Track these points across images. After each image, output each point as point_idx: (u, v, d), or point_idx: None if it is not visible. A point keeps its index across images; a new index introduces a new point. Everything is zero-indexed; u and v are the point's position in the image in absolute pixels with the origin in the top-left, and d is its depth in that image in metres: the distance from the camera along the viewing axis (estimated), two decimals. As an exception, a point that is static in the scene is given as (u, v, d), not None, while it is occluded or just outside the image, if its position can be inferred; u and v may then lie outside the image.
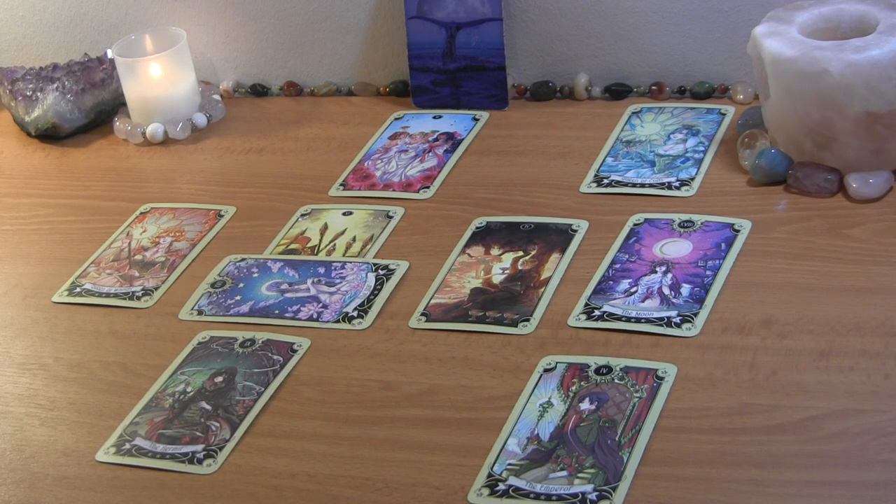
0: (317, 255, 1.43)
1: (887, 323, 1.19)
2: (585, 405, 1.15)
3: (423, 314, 1.31)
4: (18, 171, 1.70)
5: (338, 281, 1.37)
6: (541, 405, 1.16)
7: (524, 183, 1.49)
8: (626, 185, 1.45)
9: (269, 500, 1.12)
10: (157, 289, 1.42)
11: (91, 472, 1.18)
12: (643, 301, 1.26)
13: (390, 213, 1.47)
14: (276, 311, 1.34)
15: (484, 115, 1.64)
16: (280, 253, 1.44)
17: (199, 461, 1.17)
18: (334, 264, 1.40)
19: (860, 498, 1.02)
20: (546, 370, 1.20)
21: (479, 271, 1.35)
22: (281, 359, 1.27)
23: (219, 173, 1.63)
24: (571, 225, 1.39)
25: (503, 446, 1.13)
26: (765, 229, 1.34)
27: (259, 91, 1.79)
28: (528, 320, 1.27)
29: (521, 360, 1.22)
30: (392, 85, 1.72)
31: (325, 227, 1.47)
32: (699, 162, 1.46)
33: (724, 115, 1.54)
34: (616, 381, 1.17)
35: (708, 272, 1.28)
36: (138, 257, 1.47)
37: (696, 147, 1.49)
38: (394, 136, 1.62)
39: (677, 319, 1.23)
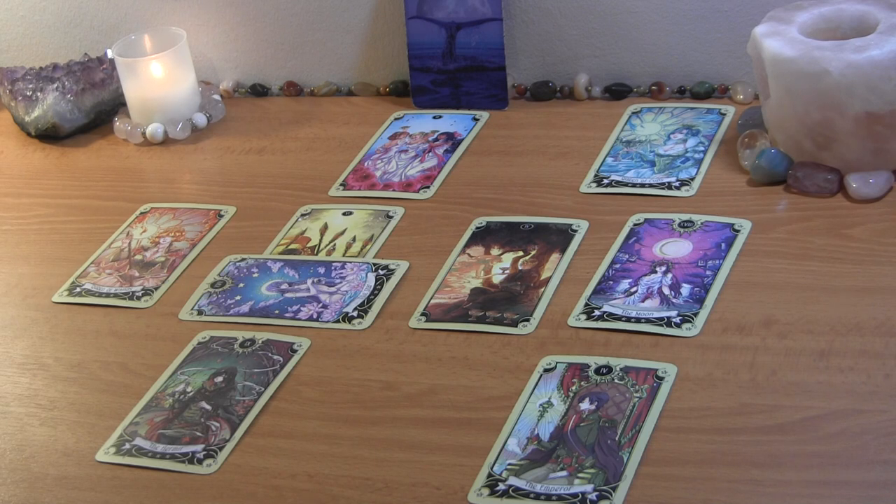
0: (317, 255, 1.43)
1: (887, 323, 1.19)
2: (585, 405, 1.15)
3: (423, 314, 1.30)
4: (18, 171, 1.70)
5: (338, 281, 1.37)
6: (541, 405, 1.16)
7: (524, 183, 1.49)
8: (626, 185, 1.45)
9: (269, 500, 1.12)
10: (157, 289, 1.42)
11: (91, 472, 1.18)
12: (643, 301, 1.26)
13: (390, 213, 1.47)
14: (276, 311, 1.34)
15: (484, 115, 1.64)
16: (280, 253, 1.44)
17: (199, 461, 1.17)
18: (334, 264, 1.40)
19: (860, 498, 1.02)
20: (546, 370, 1.20)
21: (479, 271, 1.35)
22: (281, 359, 1.27)
23: (219, 173, 1.63)
24: (571, 225, 1.39)
25: (503, 446, 1.12)
26: (765, 229, 1.34)
27: (259, 91, 1.79)
28: (528, 320, 1.27)
29: (521, 360, 1.22)
30: (392, 85, 1.72)
31: (325, 227, 1.47)
32: (699, 162, 1.46)
33: (724, 115, 1.54)
34: (616, 381, 1.17)
35: (708, 272, 1.28)
36: (138, 257, 1.47)
37: (696, 147, 1.49)
38: (394, 136, 1.62)
39: (677, 319, 1.23)
